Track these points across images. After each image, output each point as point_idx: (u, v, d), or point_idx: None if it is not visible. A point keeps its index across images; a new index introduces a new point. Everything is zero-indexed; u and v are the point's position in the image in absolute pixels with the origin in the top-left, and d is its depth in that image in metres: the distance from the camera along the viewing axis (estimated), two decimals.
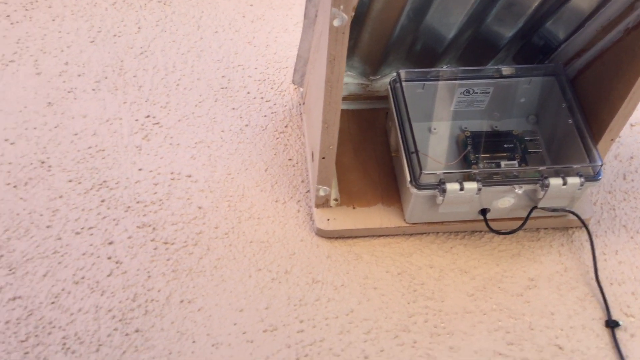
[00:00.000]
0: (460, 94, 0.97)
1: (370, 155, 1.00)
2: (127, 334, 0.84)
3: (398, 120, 0.92)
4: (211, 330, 0.85)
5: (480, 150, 0.96)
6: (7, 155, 0.96)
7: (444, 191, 0.86)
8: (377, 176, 0.98)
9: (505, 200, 0.89)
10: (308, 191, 0.98)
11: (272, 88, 1.09)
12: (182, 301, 0.87)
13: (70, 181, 0.95)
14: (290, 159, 1.02)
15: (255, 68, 1.11)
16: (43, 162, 0.96)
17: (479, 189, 0.86)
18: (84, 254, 0.89)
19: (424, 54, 0.98)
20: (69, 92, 1.03)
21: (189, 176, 0.98)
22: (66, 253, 0.89)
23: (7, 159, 0.96)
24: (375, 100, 1.05)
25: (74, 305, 0.85)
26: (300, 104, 1.07)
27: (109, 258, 0.90)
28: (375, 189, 0.97)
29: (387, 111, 1.00)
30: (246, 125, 1.05)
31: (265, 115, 1.06)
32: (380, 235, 0.94)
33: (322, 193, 0.92)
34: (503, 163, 0.94)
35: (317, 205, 0.94)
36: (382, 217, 0.94)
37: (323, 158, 0.87)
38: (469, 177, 0.89)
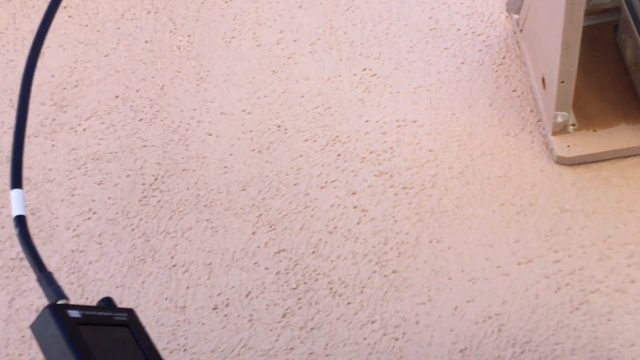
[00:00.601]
0: None
1: (603, 74, 0.94)
2: (385, 275, 0.89)
3: (638, 30, 0.85)
4: (465, 267, 0.87)
5: None
6: (247, 124, 1.05)
7: None
8: (614, 95, 0.92)
9: None
10: (539, 120, 0.95)
11: (481, 21, 1.06)
12: (430, 241, 0.90)
13: (306, 140, 1.02)
14: (514, 90, 0.99)
15: (461, 3, 1.09)
16: (279, 126, 1.04)
17: None
18: (331, 206, 0.96)
19: None
20: (288, 58, 1.10)
21: (414, 121, 1.00)
22: (316, 207, 0.96)
23: (247, 127, 1.05)
24: (600, 15, 0.98)
25: (333, 253, 0.92)
26: (515, 32, 1.03)
27: (355, 207, 0.95)
28: (614, 108, 0.91)
29: (617, 23, 0.93)
30: (462, 63, 1.03)
31: (479, 50, 1.04)
32: (627, 156, 0.89)
33: (559, 119, 0.88)
34: None
35: (554, 133, 0.91)
36: (627, 136, 0.88)
37: (562, 82, 0.83)
38: None
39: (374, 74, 1.05)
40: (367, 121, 1.02)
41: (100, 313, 0.66)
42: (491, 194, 0.92)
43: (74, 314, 0.63)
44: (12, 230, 1.01)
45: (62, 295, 0.65)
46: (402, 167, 0.97)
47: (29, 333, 0.94)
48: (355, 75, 1.06)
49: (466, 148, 0.96)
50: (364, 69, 1.06)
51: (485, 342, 0.82)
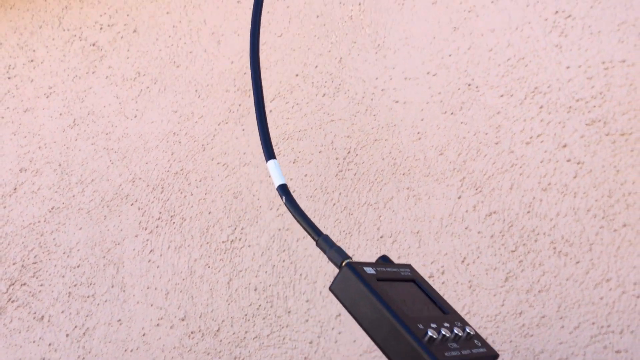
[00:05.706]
0: None
1: None
2: (615, 230, 0.83)
3: None
4: None
5: None
6: (434, 87, 1.02)
7: None
8: None
9: None
10: None
11: None
12: None
13: (502, 96, 0.96)
14: None
15: None
16: (469, 85, 0.99)
17: None
18: (541, 162, 0.90)
19: None
20: (469, 11, 1.04)
21: (623, 61, 0.91)
22: (524, 164, 0.91)
23: (435, 90, 1.01)
24: None
25: (551, 211, 0.87)
26: None
27: (569, 160, 0.89)
28: None
29: None
30: None
31: None
32: None
33: None
34: None
35: None
36: None
37: None
38: None
39: (569, 16, 0.97)
40: (568, 67, 0.94)
41: (388, 269, 0.65)
42: None
43: (370, 270, 0.62)
44: (219, 215, 1.06)
45: (347, 255, 0.65)
46: (617, 112, 0.89)
47: (250, 311, 0.98)
48: (547, 19, 0.98)
49: None
50: (556, 12, 0.98)
51: None
